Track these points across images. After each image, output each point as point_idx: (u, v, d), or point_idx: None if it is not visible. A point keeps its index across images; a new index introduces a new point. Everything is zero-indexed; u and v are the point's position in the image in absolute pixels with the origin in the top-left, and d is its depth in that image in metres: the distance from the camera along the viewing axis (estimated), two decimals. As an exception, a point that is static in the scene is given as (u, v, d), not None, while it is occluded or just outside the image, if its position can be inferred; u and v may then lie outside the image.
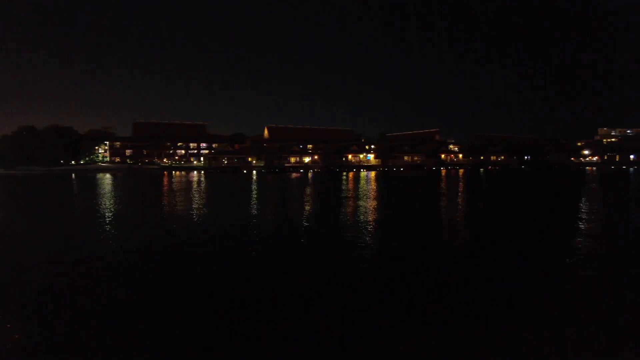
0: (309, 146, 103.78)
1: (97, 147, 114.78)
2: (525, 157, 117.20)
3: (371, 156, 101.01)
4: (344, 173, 78.71)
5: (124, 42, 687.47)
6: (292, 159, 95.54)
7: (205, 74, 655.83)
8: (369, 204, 26.53)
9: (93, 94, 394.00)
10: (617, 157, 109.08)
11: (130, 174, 78.29)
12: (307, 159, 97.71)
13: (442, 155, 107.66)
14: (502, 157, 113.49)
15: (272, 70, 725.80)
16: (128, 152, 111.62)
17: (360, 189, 38.82)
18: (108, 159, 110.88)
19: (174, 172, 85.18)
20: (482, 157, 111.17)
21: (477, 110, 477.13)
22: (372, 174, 75.52)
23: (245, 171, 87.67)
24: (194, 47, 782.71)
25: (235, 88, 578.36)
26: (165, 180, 56.67)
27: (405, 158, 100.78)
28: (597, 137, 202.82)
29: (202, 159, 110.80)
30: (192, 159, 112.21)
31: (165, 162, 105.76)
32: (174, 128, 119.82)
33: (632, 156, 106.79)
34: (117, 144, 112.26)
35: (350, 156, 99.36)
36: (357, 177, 61.66)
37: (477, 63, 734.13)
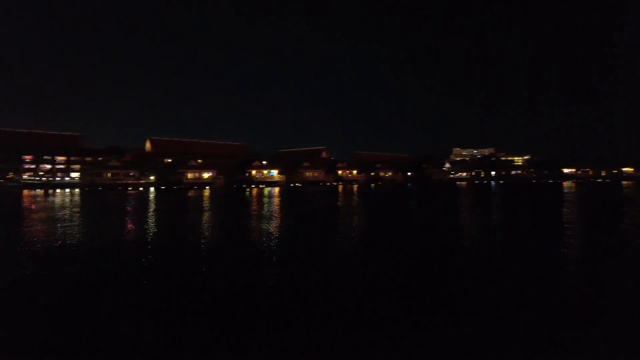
0: (199, 161, 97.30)
1: None
2: (409, 174, 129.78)
3: (274, 172, 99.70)
4: (248, 189, 75.70)
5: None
6: (190, 175, 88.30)
7: (70, 79, 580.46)
8: (280, 223, 25.17)
9: None
10: (482, 173, 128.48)
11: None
12: (206, 175, 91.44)
13: (340, 172, 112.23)
14: (390, 174, 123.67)
15: (148, 81, 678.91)
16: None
17: (270, 208, 37.18)
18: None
19: (41, 190, 70.89)
20: (372, 174, 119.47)
21: (356, 130, 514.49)
22: (276, 190, 74.21)
23: (130, 188, 77.86)
24: (56, 48, 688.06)
25: (109, 96, 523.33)
26: (26, 201, 46.42)
27: (307, 174, 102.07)
28: (452, 156, 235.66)
29: (73, 174, 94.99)
30: (59, 175, 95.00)
31: (29, 179, 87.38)
32: (36, 138, 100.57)
33: (493, 172, 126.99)
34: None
35: (254, 172, 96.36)
36: (262, 194, 59.64)
37: (354, 87, 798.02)
